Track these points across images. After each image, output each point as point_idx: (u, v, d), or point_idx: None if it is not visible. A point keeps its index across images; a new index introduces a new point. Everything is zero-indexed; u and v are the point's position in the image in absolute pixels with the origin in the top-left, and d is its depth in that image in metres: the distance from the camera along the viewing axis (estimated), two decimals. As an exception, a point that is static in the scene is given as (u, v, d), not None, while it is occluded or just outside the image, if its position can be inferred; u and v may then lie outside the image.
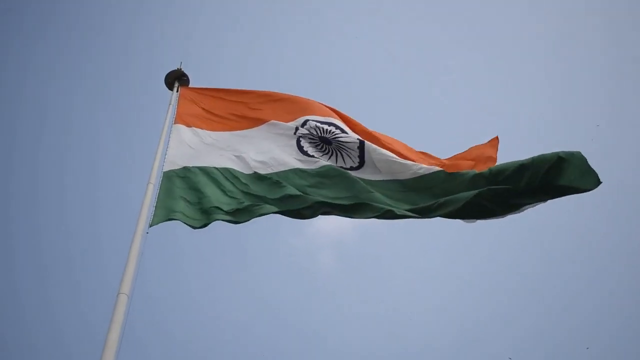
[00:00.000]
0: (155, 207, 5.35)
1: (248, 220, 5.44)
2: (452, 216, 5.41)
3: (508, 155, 5.74)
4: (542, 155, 5.17)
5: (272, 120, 6.81)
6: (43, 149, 17.64)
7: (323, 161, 6.17)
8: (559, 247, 15.85)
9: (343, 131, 6.58)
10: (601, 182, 4.85)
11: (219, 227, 5.42)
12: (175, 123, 6.73)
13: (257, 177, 5.98)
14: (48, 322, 14.54)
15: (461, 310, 15.71)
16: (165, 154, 6.11)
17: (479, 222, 5.65)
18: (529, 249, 15.49)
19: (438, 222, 5.56)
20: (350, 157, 6.31)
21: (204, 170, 6.02)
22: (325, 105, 7.09)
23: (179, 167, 5.99)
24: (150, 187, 5.57)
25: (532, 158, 5.22)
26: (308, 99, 7.20)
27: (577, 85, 19.73)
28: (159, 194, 5.53)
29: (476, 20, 21.12)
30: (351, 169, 6.18)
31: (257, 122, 6.87)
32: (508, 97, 20.36)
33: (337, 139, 6.46)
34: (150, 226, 5.08)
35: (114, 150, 17.97)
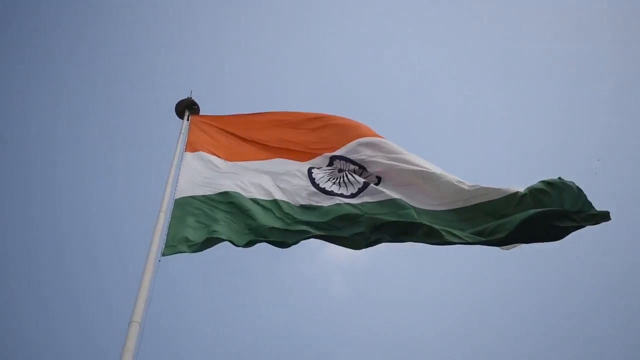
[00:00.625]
0: (177, 229, 5.40)
1: (296, 242, 5.52)
2: (499, 242, 5.31)
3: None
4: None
5: (324, 153, 6.79)
6: (58, 172, 17.80)
7: (367, 194, 6.03)
8: (568, 272, 15.71)
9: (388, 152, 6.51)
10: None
11: (227, 258, 5.45)
12: (185, 151, 6.80)
13: (307, 207, 5.95)
14: (57, 351, 14.52)
15: (469, 333, 15.54)
16: (177, 182, 6.15)
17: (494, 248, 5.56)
18: (539, 275, 15.34)
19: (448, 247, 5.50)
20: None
21: (246, 197, 6.03)
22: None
23: (216, 192, 6.06)
24: (162, 215, 5.60)
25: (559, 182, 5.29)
26: (356, 122, 7.18)
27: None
28: (176, 218, 5.57)
29: (485, 46, 21.28)
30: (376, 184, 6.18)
31: (303, 155, 6.85)
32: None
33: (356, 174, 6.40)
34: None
35: (125, 178, 18.10)
